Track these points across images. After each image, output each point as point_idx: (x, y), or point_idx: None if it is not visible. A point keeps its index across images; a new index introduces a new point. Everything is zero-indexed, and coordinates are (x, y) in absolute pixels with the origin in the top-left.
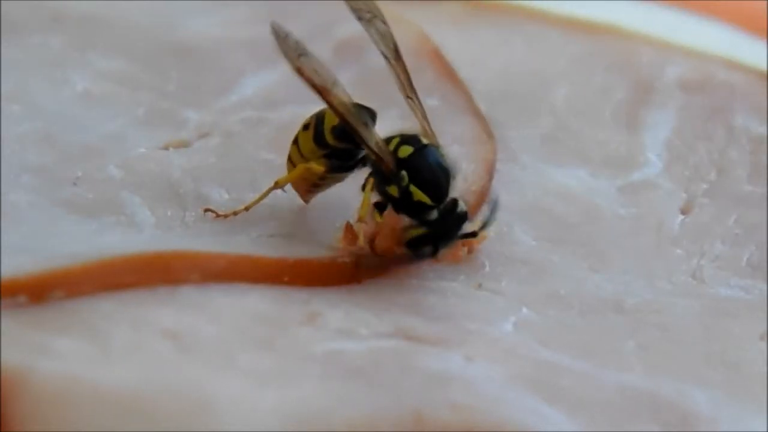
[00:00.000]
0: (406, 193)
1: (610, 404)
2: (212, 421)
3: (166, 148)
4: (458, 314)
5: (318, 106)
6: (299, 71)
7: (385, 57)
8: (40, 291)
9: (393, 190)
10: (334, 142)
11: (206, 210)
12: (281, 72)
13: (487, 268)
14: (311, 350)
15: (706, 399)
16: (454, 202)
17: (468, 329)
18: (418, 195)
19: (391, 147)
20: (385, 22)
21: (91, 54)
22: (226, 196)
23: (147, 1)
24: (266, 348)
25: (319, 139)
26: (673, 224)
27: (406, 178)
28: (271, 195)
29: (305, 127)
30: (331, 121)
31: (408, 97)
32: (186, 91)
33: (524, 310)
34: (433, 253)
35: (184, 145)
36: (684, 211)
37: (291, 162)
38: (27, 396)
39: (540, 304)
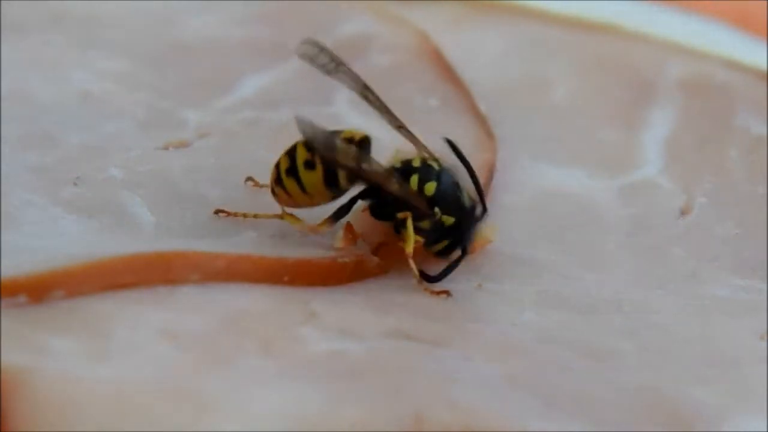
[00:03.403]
0: (438, 223)
1: (610, 404)
2: (212, 421)
3: (166, 148)
4: (458, 314)
5: (317, 106)
6: (332, 160)
7: (364, 97)
8: (40, 291)
9: (424, 224)
10: (348, 186)
11: (217, 211)
12: (281, 72)
13: (487, 268)
14: (311, 350)
15: (706, 399)
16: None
17: (468, 329)
18: (448, 221)
19: (414, 186)
20: (346, 64)
21: (91, 54)
22: (227, 196)
23: (147, 1)
24: (266, 348)
25: (331, 182)
26: (673, 224)
27: (439, 213)
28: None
29: (307, 165)
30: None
31: (398, 127)
32: (186, 91)
33: (524, 310)
34: (463, 255)
35: (184, 145)
36: (684, 211)
37: (283, 190)
38: (27, 396)
39: (540, 304)
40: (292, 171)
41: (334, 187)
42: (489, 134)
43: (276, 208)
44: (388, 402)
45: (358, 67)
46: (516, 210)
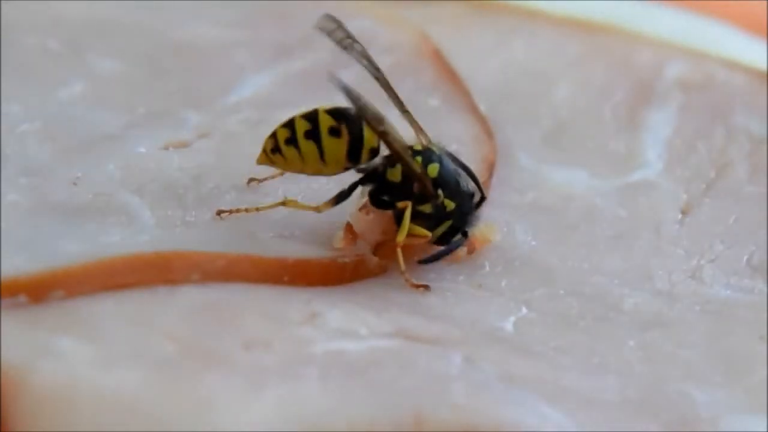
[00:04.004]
0: (439, 207)
1: (610, 404)
2: (212, 421)
3: (166, 148)
4: (458, 314)
5: (318, 104)
6: (365, 119)
7: (375, 78)
8: (40, 291)
9: (426, 208)
10: (366, 161)
11: (219, 212)
12: (281, 72)
13: (487, 268)
14: (311, 350)
15: (706, 399)
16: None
17: (468, 329)
18: (450, 205)
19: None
20: (360, 43)
21: (91, 54)
22: (227, 196)
23: (147, 2)
24: (266, 347)
25: (354, 153)
26: (673, 224)
27: (442, 195)
28: (272, 193)
29: (332, 131)
30: (371, 142)
31: (404, 112)
32: (186, 91)
33: (524, 310)
34: (465, 237)
35: (184, 145)
36: (684, 211)
37: (296, 151)
38: (27, 396)
39: (540, 304)
40: (313, 135)
41: (353, 159)
42: (489, 134)
43: (272, 214)
44: (387, 402)
45: (357, 68)
46: (516, 210)
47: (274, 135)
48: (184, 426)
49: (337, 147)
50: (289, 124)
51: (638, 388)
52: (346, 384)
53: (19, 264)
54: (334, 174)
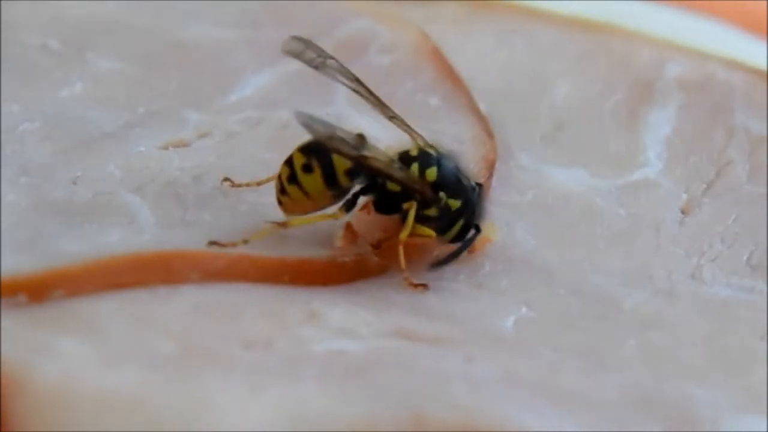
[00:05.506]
0: (444, 209)
1: (610, 404)
2: (212, 420)
3: (166, 147)
4: (458, 314)
5: (317, 106)
6: (334, 149)
7: (354, 90)
8: (40, 291)
9: (432, 212)
10: (348, 183)
11: (211, 243)
12: (281, 72)
13: (487, 268)
14: (311, 350)
15: (707, 399)
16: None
17: (468, 329)
18: (455, 205)
19: (415, 173)
20: (334, 58)
21: (91, 54)
22: (227, 196)
23: (147, 2)
24: (266, 347)
25: (331, 182)
26: (673, 224)
27: (444, 197)
28: (272, 193)
29: (305, 168)
30: (343, 165)
31: (391, 117)
32: (186, 91)
33: (524, 310)
34: (477, 233)
35: (184, 144)
36: (684, 211)
37: (288, 198)
38: (27, 396)
39: (540, 304)
40: (293, 178)
41: (334, 187)
42: (489, 133)
43: (273, 214)
44: (387, 402)
45: (358, 67)
46: (516, 210)
47: (278, 179)
48: (184, 426)
49: (313, 181)
50: (279, 175)
51: (638, 388)
52: (346, 384)
53: (19, 264)
54: (333, 203)
